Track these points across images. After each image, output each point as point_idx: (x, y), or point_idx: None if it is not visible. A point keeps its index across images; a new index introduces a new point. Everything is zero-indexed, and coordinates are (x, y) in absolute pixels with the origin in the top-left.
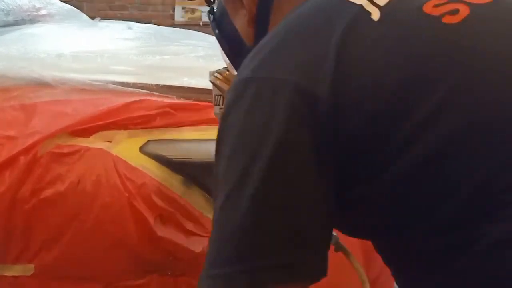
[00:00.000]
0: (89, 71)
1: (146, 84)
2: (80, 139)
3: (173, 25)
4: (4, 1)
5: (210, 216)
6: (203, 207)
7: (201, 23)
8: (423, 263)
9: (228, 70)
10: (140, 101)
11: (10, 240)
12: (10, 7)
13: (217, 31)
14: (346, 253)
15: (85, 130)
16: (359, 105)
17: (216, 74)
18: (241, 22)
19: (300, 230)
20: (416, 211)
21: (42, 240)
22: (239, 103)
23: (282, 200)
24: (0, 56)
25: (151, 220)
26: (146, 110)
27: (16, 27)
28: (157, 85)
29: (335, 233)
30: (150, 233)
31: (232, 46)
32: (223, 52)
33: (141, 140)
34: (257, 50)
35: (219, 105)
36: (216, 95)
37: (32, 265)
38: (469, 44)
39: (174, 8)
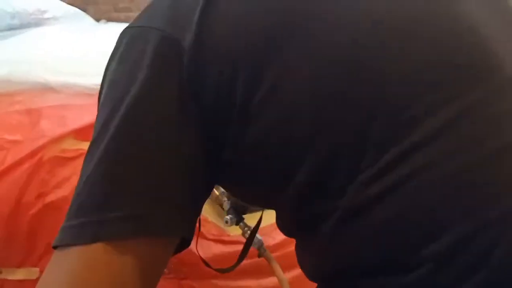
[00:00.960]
0: (93, 74)
1: None
2: (85, 143)
3: None
4: (10, 4)
5: (215, 220)
6: (207, 212)
7: None
8: (302, 231)
9: None
10: None
11: (15, 244)
12: (16, 10)
13: None
14: (268, 258)
15: (90, 134)
16: (219, 58)
17: None
18: None
19: (152, 184)
20: (273, 179)
21: (47, 244)
22: (115, 53)
23: (137, 150)
24: (5, 60)
25: None
26: None
27: (21, 30)
28: None
29: (260, 237)
30: None
31: None
32: None
33: None
34: (148, 5)
35: None
36: None
37: (37, 269)
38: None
39: None
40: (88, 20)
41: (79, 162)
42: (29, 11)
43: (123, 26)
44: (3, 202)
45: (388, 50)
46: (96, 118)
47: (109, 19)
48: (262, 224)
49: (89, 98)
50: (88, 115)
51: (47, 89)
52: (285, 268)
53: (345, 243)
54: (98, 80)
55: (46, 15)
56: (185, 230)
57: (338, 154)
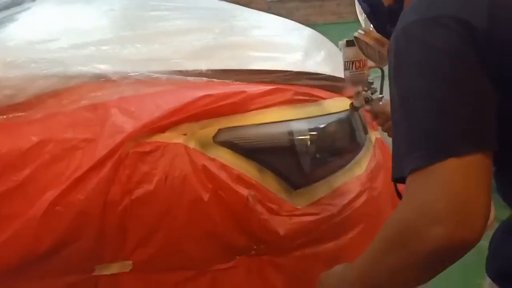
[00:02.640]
0: (140, 60)
1: (201, 70)
2: (157, 135)
3: None
4: None
5: (284, 196)
6: (276, 189)
7: None
8: None
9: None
10: (205, 92)
11: (106, 241)
12: None
13: None
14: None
15: (162, 126)
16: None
17: (361, 32)
18: None
19: (473, 119)
20: None
21: (137, 238)
22: (413, 39)
23: (462, 101)
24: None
25: (236, 207)
26: (213, 100)
27: (22, 6)
28: (211, 70)
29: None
30: (236, 219)
31: (373, 8)
32: (362, 14)
33: (212, 129)
34: (418, 2)
35: (348, 69)
36: (346, 61)
37: (130, 262)
38: None
39: None
40: None
41: (157, 155)
42: None
43: None
44: (91, 203)
45: None
46: (410, 84)
47: None
48: (337, 185)
49: (147, 87)
50: (154, 107)
51: (105, 80)
52: (356, 224)
53: None
54: (150, 68)
55: None
56: (496, 144)
57: None
